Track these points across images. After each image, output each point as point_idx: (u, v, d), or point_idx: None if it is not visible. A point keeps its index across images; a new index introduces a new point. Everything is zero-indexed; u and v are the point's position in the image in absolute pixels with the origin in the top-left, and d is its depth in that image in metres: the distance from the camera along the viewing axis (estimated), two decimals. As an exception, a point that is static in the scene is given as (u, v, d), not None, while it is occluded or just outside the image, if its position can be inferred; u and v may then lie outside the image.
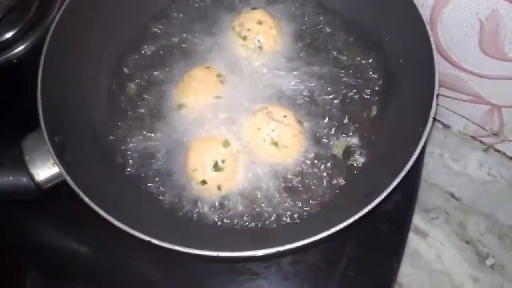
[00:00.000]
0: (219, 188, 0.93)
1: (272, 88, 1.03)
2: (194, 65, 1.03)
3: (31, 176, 0.82)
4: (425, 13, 0.98)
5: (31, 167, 0.82)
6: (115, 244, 0.96)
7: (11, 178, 0.82)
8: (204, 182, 0.92)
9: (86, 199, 0.76)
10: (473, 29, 0.99)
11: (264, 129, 0.94)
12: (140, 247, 0.90)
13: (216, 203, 0.94)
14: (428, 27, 0.90)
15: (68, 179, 0.78)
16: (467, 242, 1.17)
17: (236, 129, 0.98)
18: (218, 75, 1.01)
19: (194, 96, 0.99)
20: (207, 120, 0.98)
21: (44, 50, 0.87)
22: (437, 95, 0.86)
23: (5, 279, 0.99)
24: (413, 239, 1.16)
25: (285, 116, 0.96)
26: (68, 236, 1.03)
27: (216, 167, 0.91)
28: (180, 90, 1.01)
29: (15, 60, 1.14)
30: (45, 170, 0.82)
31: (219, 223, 0.93)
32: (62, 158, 0.80)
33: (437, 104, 0.85)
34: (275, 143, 0.94)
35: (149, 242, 0.74)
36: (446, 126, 1.29)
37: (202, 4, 1.13)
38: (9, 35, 1.15)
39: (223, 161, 0.92)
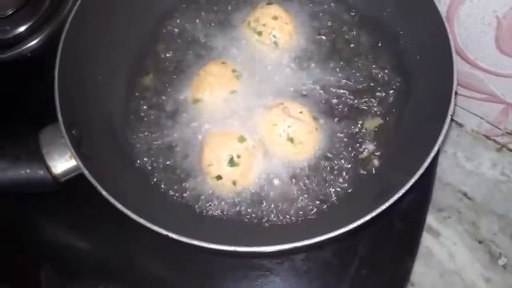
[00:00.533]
0: (234, 183, 0.92)
1: (288, 83, 1.02)
2: (209, 60, 1.03)
3: (48, 169, 0.82)
4: (442, 9, 0.97)
5: (48, 160, 0.82)
6: (129, 240, 0.96)
7: (28, 170, 0.82)
8: (219, 177, 0.91)
9: (104, 193, 0.76)
10: (490, 27, 0.98)
11: (280, 125, 0.94)
12: (153, 243, 0.91)
13: (231, 199, 0.94)
14: (446, 24, 0.89)
15: (86, 172, 0.77)
16: (480, 242, 1.16)
17: (252, 124, 0.97)
18: (234, 70, 1.01)
19: (210, 91, 0.98)
20: (222, 115, 0.98)
21: (61, 42, 0.87)
22: (455, 92, 0.85)
23: (20, 275, 0.99)
24: (425, 238, 1.15)
25: (301, 112, 0.96)
26: (83, 233, 1.03)
27: (231, 162, 0.91)
28: (195, 85, 1.01)
29: (29, 54, 1.14)
30: (62, 163, 0.82)
31: (234, 219, 0.92)
32: (79, 151, 0.80)
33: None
34: (291, 139, 0.94)
35: (166, 236, 0.74)
36: (460, 125, 1.29)
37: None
38: (22, 28, 1.15)
39: (238, 157, 0.92)
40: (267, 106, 0.98)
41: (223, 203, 0.94)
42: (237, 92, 0.99)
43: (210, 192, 0.94)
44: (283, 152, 0.96)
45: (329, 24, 1.09)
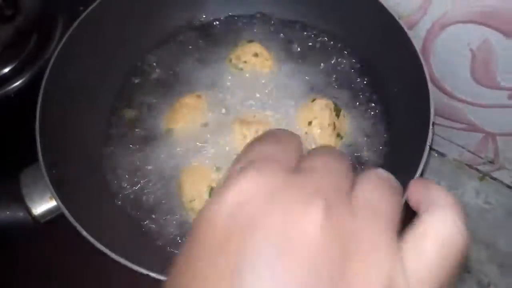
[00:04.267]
0: None
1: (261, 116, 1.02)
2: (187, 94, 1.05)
3: (28, 210, 0.81)
4: (418, 43, 1.00)
5: (28, 201, 0.81)
6: (112, 277, 0.94)
7: (8, 212, 0.81)
8: None
9: (84, 233, 0.75)
10: (466, 59, 1.01)
11: (248, 134, 0.95)
12: (139, 282, 0.89)
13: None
14: (421, 57, 0.92)
15: (66, 212, 0.77)
16: (468, 272, 1.16)
17: (224, 150, 0.97)
18: (209, 104, 1.02)
19: (182, 122, 1.00)
20: (195, 147, 0.99)
21: (43, 83, 0.88)
22: (433, 123, 0.87)
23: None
24: (413, 269, 1.15)
25: (254, 116, 0.99)
26: (63, 267, 1.01)
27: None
28: (169, 116, 1.02)
29: (12, 95, 1.14)
30: (42, 204, 0.81)
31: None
32: (60, 191, 0.79)
33: (433, 133, 0.86)
34: None
35: (147, 275, 0.73)
36: (442, 155, 1.30)
37: (199, 38, 1.15)
38: (7, 69, 1.16)
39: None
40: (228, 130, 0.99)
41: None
42: (209, 125, 1.00)
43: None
44: None
45: (308, 59, 1.11)
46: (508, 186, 1.25)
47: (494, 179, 1.26)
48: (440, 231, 0.34)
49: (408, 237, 0.34)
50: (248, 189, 0.32)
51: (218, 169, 0.94)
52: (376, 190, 0.36)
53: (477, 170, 1.27)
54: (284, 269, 0.28)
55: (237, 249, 0.29)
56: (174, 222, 0.94)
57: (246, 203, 0.31)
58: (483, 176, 1.27)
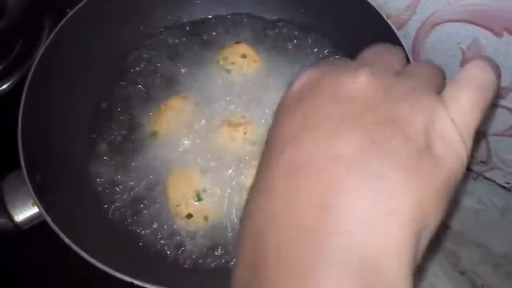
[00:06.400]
0: (205, 218, 0.91)
1: (249, 118, 1.01)
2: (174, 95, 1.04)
3: (10, 217, 0.79)
4: (407, 43, 0.99)
5: (10, 208, 0.80)
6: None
7: (-11, 219, 0.80)
8: (189, 216, 0.89)
9: (67, 240, 0.74)
10: (456, 58, 1.00)
11: (237, 136, 0.94)
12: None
13: (205, 237, 0.91)
14: (410, 57, 0.91)
15: (48, 219, 0.75)
16: (462, 273, 1.15)
17: (211, 153, 0.96)
18: (196, 104, 1.01)
19: (167, 125, 0.98)
20: (181, 149, 0.98)
21: (26, 88, 0.86)
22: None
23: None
24: (406, 271, 1.14)
25: (242, 116, 0.98)
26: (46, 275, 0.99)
27: (198, 198, 0.90)
28: (154, 119, 1.01)
29: (-3, 99, 1.13)
30: (24, 211, 0.80)
31: (208, 262, 0.90)
32: (42, 197, 0.78)
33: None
34: (255, 143, 0.94)
35: (131, 283, 0.71)
36: (435, 155, 1.29)
37: (186, 39, 1.14)
38: (-9, 73, 1.14)
39: (204, 190, 0.91)
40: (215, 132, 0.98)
41: (194, 244, 0.91)
42: (195, 126, 0.99)
43: (181, 233, 0.92)
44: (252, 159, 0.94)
45: (300, 61, 1.10)
46: (502, 186, 1.24)
47: (487, 179, 1.25)
48: (470, 77, 0.40)
49: (446, 89, 0.41)
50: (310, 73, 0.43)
51: (204, 172, 0.93)
52: (423, 65, 0.46)
53: (470, 170, 1.26)
54: (339, 108, 0.36)
55: (304, 105, 0.40)
56: (161, 228, 0.92)
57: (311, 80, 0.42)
58: (477, 176, 1.26)
